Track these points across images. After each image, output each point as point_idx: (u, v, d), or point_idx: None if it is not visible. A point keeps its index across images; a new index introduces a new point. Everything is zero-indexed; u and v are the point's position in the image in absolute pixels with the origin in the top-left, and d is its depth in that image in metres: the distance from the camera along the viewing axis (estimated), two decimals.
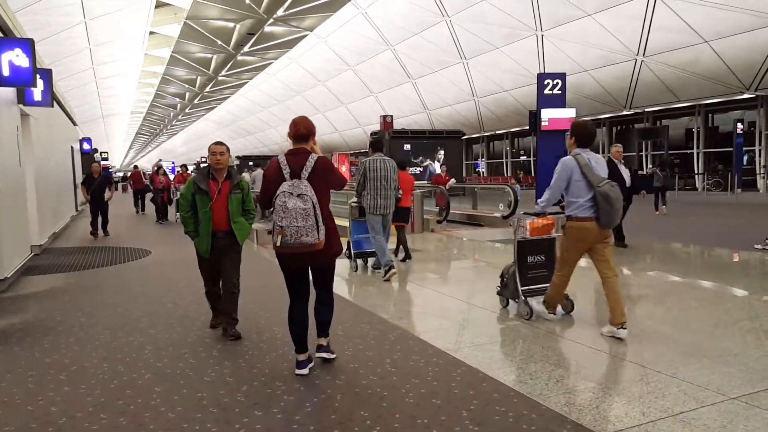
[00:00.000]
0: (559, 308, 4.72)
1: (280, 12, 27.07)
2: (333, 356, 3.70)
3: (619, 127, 31.27)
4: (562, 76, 15.55)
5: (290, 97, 44.05)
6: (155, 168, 15.18)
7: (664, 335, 4.24)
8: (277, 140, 55.80)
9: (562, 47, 24.91)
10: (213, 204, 4.27)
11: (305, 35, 30.94)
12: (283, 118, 50.19)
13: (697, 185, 26.13)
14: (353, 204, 7.04)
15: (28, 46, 6.50)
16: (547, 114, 14.97)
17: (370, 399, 3.11)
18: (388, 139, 26.18)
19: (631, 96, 25.74)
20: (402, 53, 31.05)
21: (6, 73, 6.24)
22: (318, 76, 37.65)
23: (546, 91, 15.05)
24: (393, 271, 6.43)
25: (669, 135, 26.43)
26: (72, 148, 18.42)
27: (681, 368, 3.46)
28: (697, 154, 26.65)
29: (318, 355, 3.67)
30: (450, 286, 6.53)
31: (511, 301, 4.97)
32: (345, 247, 6.94)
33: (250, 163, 38.14)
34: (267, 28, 29.21)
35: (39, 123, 9.85)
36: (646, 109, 27.02)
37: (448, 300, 5.59)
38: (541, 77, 15.23)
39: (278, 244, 3.30)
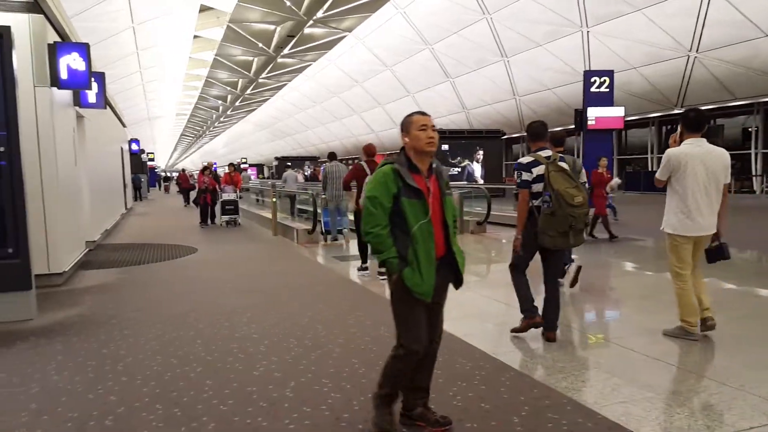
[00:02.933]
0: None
1: (319, 14, 27.34)
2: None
3: (669, 127, 30.25)
4: (610, 74, 15.19)
5: (327, 99, 44.44)
6: (203, 167, 14.64)
7: (728, 345, 4.02)
8: (314, 141, 56.42)
9: (608, 44, 24.27)
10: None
11: (344, 36, 31.15)
12: (320, 119, 50.68)
13: (755, 188, 25.01)
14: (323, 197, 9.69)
15: (84, 50, 6.76)
16: (594, 112, 14.64)
17: (361, 352, 3.23)
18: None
19: (683, 94, 24.82)
20: (440, 52, 30.89)
21: (64, 76, 6.50)
22: (355, 77, 37.84)
23: (593, 89, 14.74)
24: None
25: (724, 135, 25.36)
26: (122, 148, 19.08)
27: (749, 381, 3.26)
28: (755, 154, 25.51)
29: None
30: (491, 289, 6.45)
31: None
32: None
33: (288, 164, 38.66)
34: (307, 30, 29.56)
35: (92, 124, 10.24)
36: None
37: (489, 302, 5.52)
38: (588, 74, 14.93)
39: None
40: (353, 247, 8.90)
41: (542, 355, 3.93)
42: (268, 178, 49.51)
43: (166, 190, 40.21)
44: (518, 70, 29.42)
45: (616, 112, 15.49)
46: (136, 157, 31.82)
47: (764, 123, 25.17)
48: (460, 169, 26.57)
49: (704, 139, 4.06)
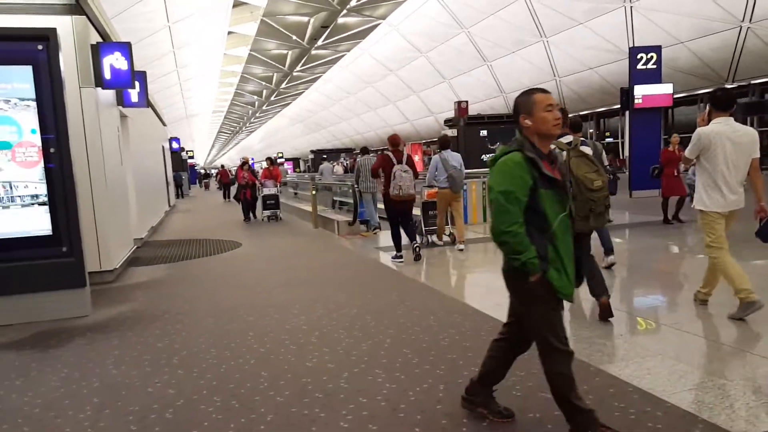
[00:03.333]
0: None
1: (353, 2, 27.20)
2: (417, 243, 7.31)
3: None
4: (658, 49, 14.49)
5: (361, 89, 44.33)
6: (241, 163, 14.62)
7: None
8: (348, 133, 56.50)
9: (653, 18, 23.30)
10: None
11: (378, 24, 30.92)
12: (355, 110, 50.63)
13: None
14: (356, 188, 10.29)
15: (126, 49, 6.85)
16: (641, 90, 14.00)
17: (412, 342, 3.29)
18: (463, 125, 25.66)
19: (734, 67, 23.63)
20: (476, 35, 30.32)
21: (108, 76, 6.61)
22: (389, 65, 37.58)
23: (639, 66, 14.08)
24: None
25: None
26: (163, 147, 19.51)
27: None
28: None
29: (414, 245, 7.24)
30: None
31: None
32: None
33: (323, 156, 38.90)
34: (340, 20, 29.47)
35: (135, 123, 10.46)
36: (752, 82, 24.76)
37: None
38: (634, 51, 14.27)
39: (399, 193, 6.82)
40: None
41: (602, 342, 3.79)
42: (304, 171, 49.95)
43: (206, 187, 41.04)
44: (558, 51, 28.59)
45: (665, 89, 14.77)
46: (177, 155, 32.54)
47: None
48: None
49: (731, 118, 4.18)
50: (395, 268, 6.63)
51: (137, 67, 7.43)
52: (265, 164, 14.41)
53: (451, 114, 28.16)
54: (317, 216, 12.19)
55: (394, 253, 7.18)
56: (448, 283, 6.13)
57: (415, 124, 45.63)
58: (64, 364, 3.73)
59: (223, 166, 29.44)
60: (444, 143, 8.00)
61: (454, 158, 7.73)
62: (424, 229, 8.31)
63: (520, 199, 2.25)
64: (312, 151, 47.94)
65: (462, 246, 7.77)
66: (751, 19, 21.00)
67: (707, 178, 4.18)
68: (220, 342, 4.03)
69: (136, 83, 8.54)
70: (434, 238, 8.40)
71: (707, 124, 4.22)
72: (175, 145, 26.95)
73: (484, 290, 5.62)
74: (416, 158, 36.60)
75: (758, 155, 4.12)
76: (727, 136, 4.09)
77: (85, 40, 6.40)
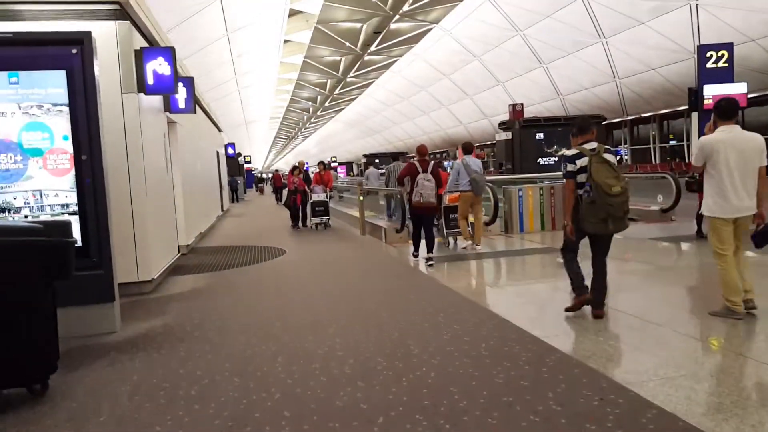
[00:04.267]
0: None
1: (405, 7, 26.90)
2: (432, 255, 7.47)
3: None
4: (729, 47, 13.38)
5: (414, 93, 43.98)
6: (292, 168, 14.05)
7: None
8: (401, 137, 56.25)
9: (721, 15, 21.77)
10: None
11: (431, 29, 30.49)
12: (408, 114, 50.36)
13: None
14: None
15: (170, 54, 6.71)
16: (711, 90, 12.93)
17: (460, 378, 3.30)
18: (518, 128, 24.77)
19: None
20: (532, 38, 29.36)
21: (150, 81, 6.48)
22: (442, 69, 37.06)
23: (709, 65, 13.03)
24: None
25: None
26: (218, 152, 19.75)
27: None
28: None
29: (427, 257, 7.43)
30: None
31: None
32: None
33: (377, 161, 38.74)
34: (393, 25, 29.24)
35: (185, 129, 10.43)
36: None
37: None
38: (703, 49, 13.23)
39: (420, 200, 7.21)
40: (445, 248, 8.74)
41: (584, 336, 4.19)
42: (357, 175, 49.96)
43: (261, 191, 41.61)
44: (618, 51, 27.28)
45: (737, 88, 13.62)
46: (233, 160, 33.18)
47: None
48: (556, 159, 25.00)
49: (737, 126, 4.34)
50: (452, 287, 6.07)
51: (197, 75, 7.33)
52: (317, 168, 14.12)
53: (505, 117, 27.37)
54: (365, 222, 11.85)
55: (412, 251, 7.88)
56: (499, 302, 5.58)
57: (468, 128, 44.86)
58: (82, 390, 3.47)
59: (277, 171, 29.84)
60: (467, 149, 8.42)
61: (475, 164, 8.26)
62: (446, 231, 8.92)
63: None
64: (365, 155, 47.89)
65: (480, 248, 8.38)
66: None
67: (714, 185, 4.32)
68: (246, 369, 3.67)
69: (183, 89, 8.49)
70: (460, 240, 8.93)
71: (713, 133, 4.41)
72: (230, 150, 27.30)
73: (539, 310, 5.06)
74: None
75: (765, 163, 4.27)
76: (731, 143, 4.24)
77: (129, 45, 6.28)
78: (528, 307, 5.30)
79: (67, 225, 3.66)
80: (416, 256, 7.75)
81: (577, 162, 4.32)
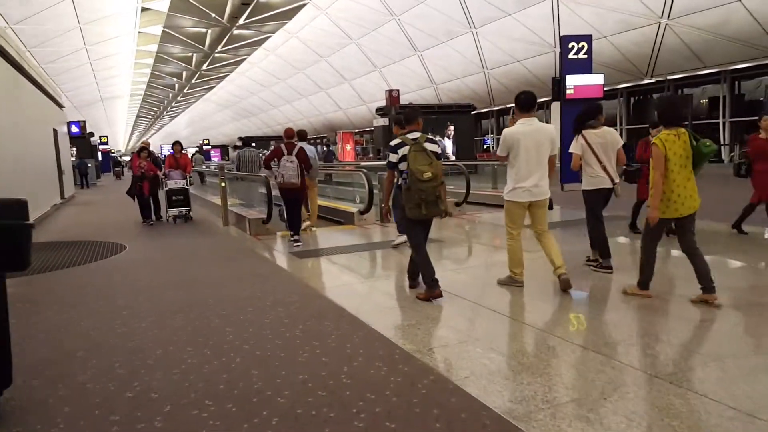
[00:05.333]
0: None
1: None
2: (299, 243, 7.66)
3: (637, 98, 29.64)
4: (588, 39, 14.14)
5: (291, 75, 42.55)
6: (138, 149, 11.48)
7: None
8: (280, 120, 54.44)
9: (579, 12, 23.26)
10: None
11: (304, 4, 29.30)
12: (286, 97, 48.70)
13: (723, 157, 24.62)
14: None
15: None
16: (573, 80, 13.55)
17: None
18: (394, 114, 24.72)
19: (653, 63, 24.12)
20: (407, 23, 29.42)
21: None
22: (319, 51, 36.10)
23: (571, 56, 13.63)
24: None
25: (693, 104, 24.80)
26: (55, 131, 17.18)
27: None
28: (723, 123, 25.07)
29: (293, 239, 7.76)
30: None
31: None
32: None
33: (253, 144, 36.93)
34: None
35: None
36: (669, 77, 25.40)
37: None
38: (566, 39, 13.82)
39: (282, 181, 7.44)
40: (316, 239, 8.29)
41: (392, 311, 4.64)
42: (232, 161, 47.49)
43: (117, 176, 37.56)
44: (487, 42, 28.24)
45: (595, 79, 14.50)
46: (83, 141, 29.67)
47: (731, 92, 24.70)
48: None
49: (535, 118, 4.70)
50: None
51: (34, 45, 5.77)
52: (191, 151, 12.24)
53: (383, 104, 27.20)
54: (227, 212, 10.81)
55: (290, 233, 7.95)
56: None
57: (348, 113, 44.45)
58: None
59: (134, 153, 26.75)
60: (301, 136, 8.72)
61: (310, 150, 8.53)
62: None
63: None
64: (240, 138, 45.34)
65: (315, 229, 9.07)
66: (669, 16, 21.36)
67: (514, 173, 4.71)
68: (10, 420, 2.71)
69: None
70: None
71: (513, 125, 4.76)
72: (75, 128, 24.17)
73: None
74: (348, 147, 35.42)
75: (555, 153, 4.76)
76: (530, 135, 4.62)
77: None
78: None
79: (23, 205, 2.94)
80: (296, 240, 7.78)
81: (399, 151, 4.56)
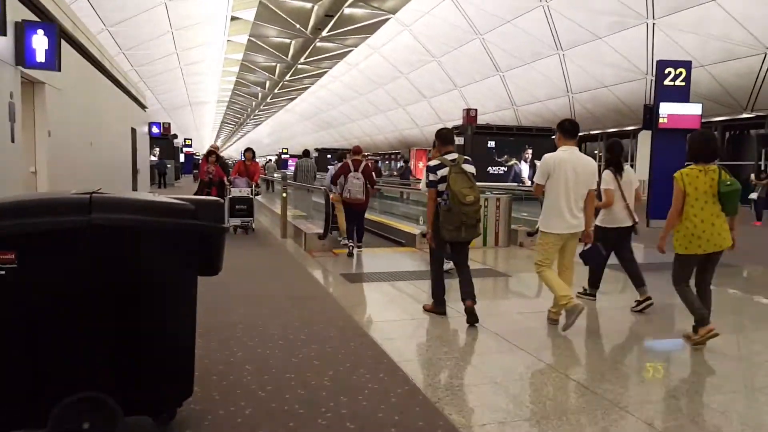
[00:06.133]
0: None
1: None
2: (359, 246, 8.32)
3: (733, 132, 27.07)
4: (687, 65, 12.83)
5: (371, 90, 42.73)
6: (207, 152, 11.30)
7: None
8: (357, 134, 54.89)
9: (676, 38, 21.58)
10: None
11: (387, 18, 29.18)
12: (365, 112, 49.01)
13: None
14: None
15: None
16: (667, 109, 12.28)
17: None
18: (471, 133, 23.92)
19: (755, 96, 21.92)
20: (491, 43, 28.62)
21: None
22: (400, 67, 35.97)
23: (666, 82, 12.38)
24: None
25: None
26: (135, 131, 17.72)
27: None
28: None
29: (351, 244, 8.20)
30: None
31: None
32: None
33: (329, 156, 37.30)
34: (346, 10, 27.75)
35: (63, 95, 8.62)
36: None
37: None
38: (662, 64, 12.59)
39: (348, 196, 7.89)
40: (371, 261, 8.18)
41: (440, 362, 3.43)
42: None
43: (195, 178, 38.89)
44: (573, 65, 26.89)
45: (692, 109, 13.13)
46: (166, 142, 30.84)
47: None
48: (506, 169, 24.24)
49: (576, 148, 4.65)
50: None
51: (128, 47, 5.65)
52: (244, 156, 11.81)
53: (459, 123, 26.49)
54: (286, 223, 10.48)
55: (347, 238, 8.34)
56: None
57: (424, 131, 44.02)
58: None
59: (203, 157, 27.32)
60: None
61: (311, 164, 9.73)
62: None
63: None
64: (317, 149, 45.93)
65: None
66: None
67: (551, 203, 4.51)
68: None
69: (44, 38, 6.70)
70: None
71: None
72: (155, 129, 25.07)
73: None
74: (420, 165, 34.88)
75: (594, 187, 4.63)
76: (570, 163, 4.47)
77: None
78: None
79: (219, 206, 2.80)
80: (349, 247, 8.21)
81: (438, 172, 4.55)
